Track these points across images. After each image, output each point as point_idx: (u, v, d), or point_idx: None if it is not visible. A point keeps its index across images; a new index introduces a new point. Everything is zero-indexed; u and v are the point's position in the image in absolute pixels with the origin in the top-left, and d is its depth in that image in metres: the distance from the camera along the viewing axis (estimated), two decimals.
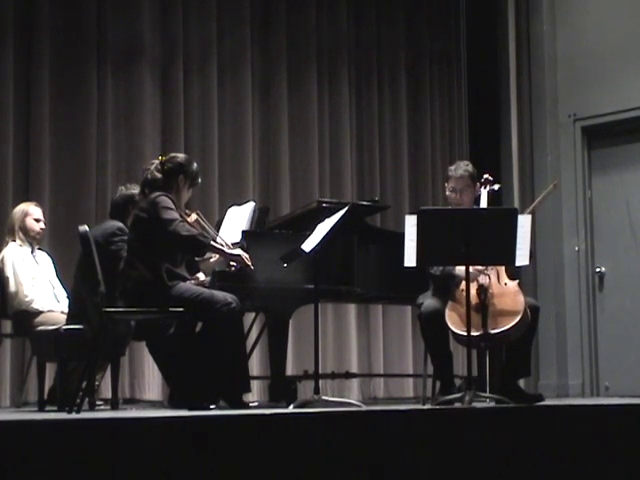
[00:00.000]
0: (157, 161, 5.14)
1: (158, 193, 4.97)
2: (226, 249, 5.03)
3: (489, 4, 8.86)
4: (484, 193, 5.49)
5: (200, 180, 5.28)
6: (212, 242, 5.01)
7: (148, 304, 4.84)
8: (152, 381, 7.05)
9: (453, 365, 5.35)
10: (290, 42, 8.11)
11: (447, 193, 5.51)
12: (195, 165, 5.20)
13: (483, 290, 5.05)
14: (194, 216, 5.16)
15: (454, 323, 5.04)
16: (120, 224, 5.48)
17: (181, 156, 5.25)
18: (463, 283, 4.99)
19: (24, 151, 6.83)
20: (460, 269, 5.13)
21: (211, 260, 5.31)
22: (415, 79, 8.81)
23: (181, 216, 5.01)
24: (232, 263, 5.11)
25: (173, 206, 4.94)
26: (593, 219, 8.22)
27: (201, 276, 5.39)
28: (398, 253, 4.96)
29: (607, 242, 8.12)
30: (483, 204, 5.45)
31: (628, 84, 7.95)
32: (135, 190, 5.52)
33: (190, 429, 3.38)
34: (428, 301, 5.25)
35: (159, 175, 5.07)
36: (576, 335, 8.12)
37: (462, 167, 5.48)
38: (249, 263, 5.00)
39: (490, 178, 5.57)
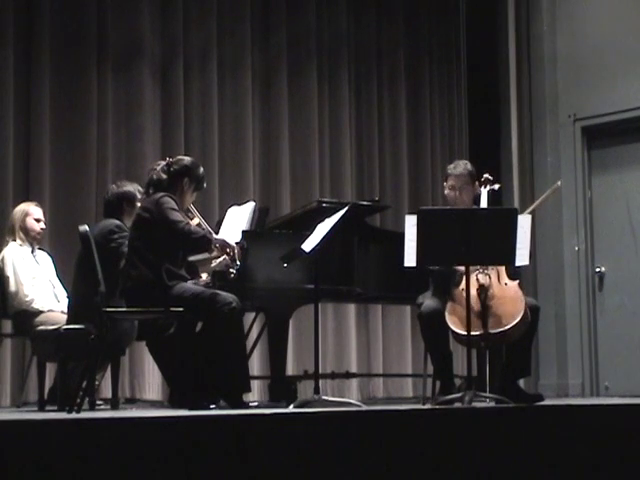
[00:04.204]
0: (164, 162, 5.16)
1: (162, 194, 4.99)
2: (227, 239, 5.07)
3: (489, 4, 8.86)
4: (484, 192, 5.50)
5: (205, 185, 5.31)
6: (215, 236, 5.06)
7: (148, 304, 4.84)
8: (152, 381, 7.05)
9: (453, 365, 5.35)
10: (290, 42, 8.11)
11: (446, 192, 5.51)
12: (201, 169, 5.22)
13: (483, 290, 5.05)
14: (196, 220, 5.19)
15: (454, 323, 5.04)
16: (117, 222, 5.48)
17: (188, 159, 5.27)
18: (463, 283, 4.99)
19: (24, 151, 6.83)
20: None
21: (212, 265, 5.32)
22: (415, 79, 8.81)
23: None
24: (231, 271, 5.13)
25: (177, 207, 4.97)
26: (593, 219, 8.22)
27: (202, 276, 5.39)
28: (398, 253, 4.96)
29: (607, 242, 8.13)
30: (483, 204, 5.46)
31: (628, 84, 7.96)
32: (127, 187, 5.57)
33: (190, 429, 3.38)
34: (428, 301, 5.25)
35: (164, 176, 5.09)
36: (576, 335, 8.12)
37: (461, 165, 5.52)
38: (237, 259, 5.03)
39: (490, 178, 5.58)
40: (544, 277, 8.30)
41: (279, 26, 8.07)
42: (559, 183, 6.02)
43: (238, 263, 5.09)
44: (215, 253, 5.21)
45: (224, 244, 5.03)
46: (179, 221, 4.91)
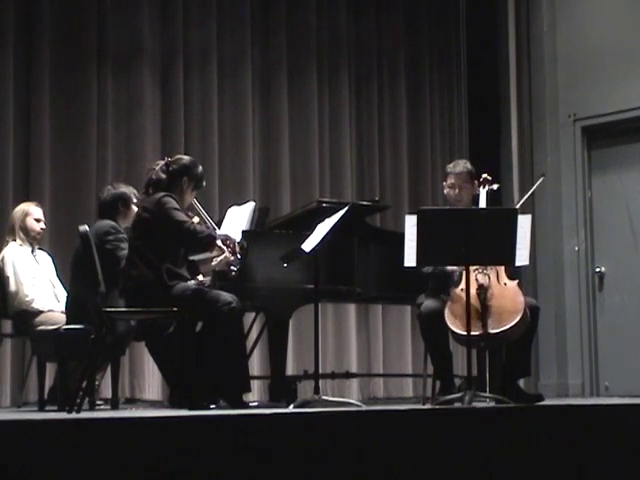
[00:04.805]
0: (162, 162, 5.16)
1: (163, 194, 4.99)
2: (229, 233, 5.09)
3: (489, 4, 8.86)
4: (483, 193, 5.51)
5: (205, 183, 5.31)
6: (218, 232, 5.07)
7: (149, 304, 4.84)
8: (152, 381, 7.05)
9: (453, 365, 5.35)
10: (290, 42, 8.11)
11: (445, 191, 5.52)
12: (200, 168, 5.22)
13: (482, 290, 5.05)
14: (196, 219, 5.19)
15: (454, 323, 5.04)
16: (112, 222, 5.48)
17: (186, 158, 5.28)
18: (463, 282, 4.99)
19: (24, 151, 6.83)
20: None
21: (213, 263, 5.32)
22: (415, 79, 8.81)
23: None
24: (232, 268, 5.13)
25: (179, 206, 4.97)
26: (593, 219, 8.22)
27: (201, 277, 5.39)
28: (398, 253, 4.97)
29: (607, 242, 8.12)
30: (482, 204, 5.46)
31: (628, 84, 7.95)
32: (123, 189, 5.58)
33: (190, 429, 3.38)
34: (427, 301, 5.26)
35: (164, 176, 5.09)
36: (576, 335, 8.12)
37: (461, 164, 5.54)
38: (237, 253, 5.05)
39: (489, 178, 5.58)
40: (544, 277, 8.30)
41: (279, 26, 8.07)
42: (541, 177, 6.09)
43: (239, 257, 5.09)
44: (215, 253, 5.21)
45: (226, 238, 5.05)
46: (184, 221, 4.93)
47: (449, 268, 5.26)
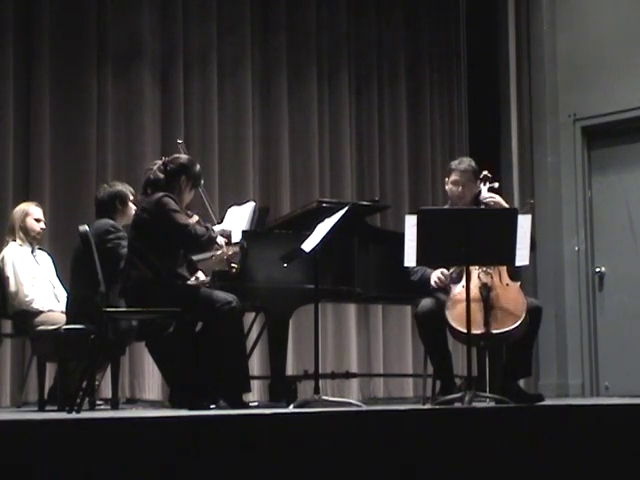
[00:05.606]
0: (160, 162, 5.16)
1: (161, 194, 4.98)
2: (225, 227, 5.12)
3: (489, 4, 8.86)
4: (484, 190, 5.49)
5: (203, 182, 5.31)
6: (216, 229, 5.09)
7: (148, 303, 4.84)
8: (152, 381, 7.05)
9: (452, 364, 5.35)
10: (290, 42, 8.11)
11: (448, 187, 5.48)
12: (198, 167, 5.22)
13: (485, 289, 5.04)
14: (195, 217, 5.19)
15: (455, 320, 5.01)
16: (112, 221, 5.48)
17: (184, 157, 5.28)
18: (464, 281, 4.99)
19: (24, 151, 6.83)
20: (436, 275, 5.16)
21: (213, 259, 5.32)
22: (415, 79, 8.81)
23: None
24: (233, 265, 5.14)
25: (178, 207, 4.97)
26: (593, 219, 8.22)
27: (201, 276, 5.39)
28: (398, 253, 4.96)
29: (607, 242, 8.12)
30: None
31: (628, 84, 7.95)
32: (119, 187, 5.59)
33: (190, 429, 3.38)
34: (424, 301, 5.23)
35: (162, 175, 5.09)
36: (576, 335, 8.12)
37: (465, 162, 5.49)
38: (231, 243, 5.06)
39: (489, 175, 5.56)
40: (544, 277, 8.30)
41: (279, 26, 8.07)
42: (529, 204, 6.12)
43: (236, 249, 5.11)
44: (214, 251, 5.21)
45: (222, 232, 5.06)
46: (185, 224, 4.92)
47: (433, 277, 5.24)
